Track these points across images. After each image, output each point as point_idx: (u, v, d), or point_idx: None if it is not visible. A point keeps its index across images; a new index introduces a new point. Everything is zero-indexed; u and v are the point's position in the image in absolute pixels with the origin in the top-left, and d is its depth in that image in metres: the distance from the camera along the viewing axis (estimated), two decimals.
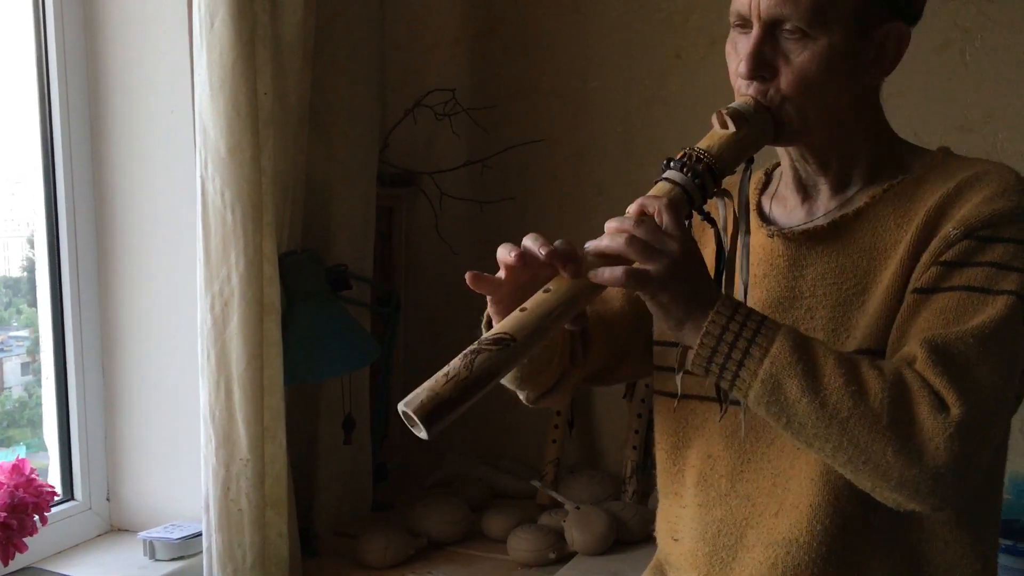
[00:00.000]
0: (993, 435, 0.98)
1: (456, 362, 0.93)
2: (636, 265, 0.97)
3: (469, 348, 0.94)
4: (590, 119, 2.31)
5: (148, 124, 1.87)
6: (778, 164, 1.23)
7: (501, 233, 2.52)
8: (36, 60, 1.84)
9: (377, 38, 2.20)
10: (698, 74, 2.18)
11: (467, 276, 1.02)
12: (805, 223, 1.15)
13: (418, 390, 0.93)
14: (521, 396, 1.21)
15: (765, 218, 1.19)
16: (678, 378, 1.11)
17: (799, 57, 1.05)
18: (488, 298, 1.04)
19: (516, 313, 0.97)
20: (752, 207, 1.20)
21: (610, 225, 1.00)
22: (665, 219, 0.99)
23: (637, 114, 2.26)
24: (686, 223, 1.03)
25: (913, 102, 1.99)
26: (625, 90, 2.27)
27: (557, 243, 0.99)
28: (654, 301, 0.98)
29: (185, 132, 1.80)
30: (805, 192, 1.17)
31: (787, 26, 1.04)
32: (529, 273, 1.01)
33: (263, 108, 1.69)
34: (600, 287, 0.99)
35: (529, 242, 1.01)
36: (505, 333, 0.95)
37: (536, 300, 0.97)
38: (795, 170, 1.16)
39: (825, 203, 1.15)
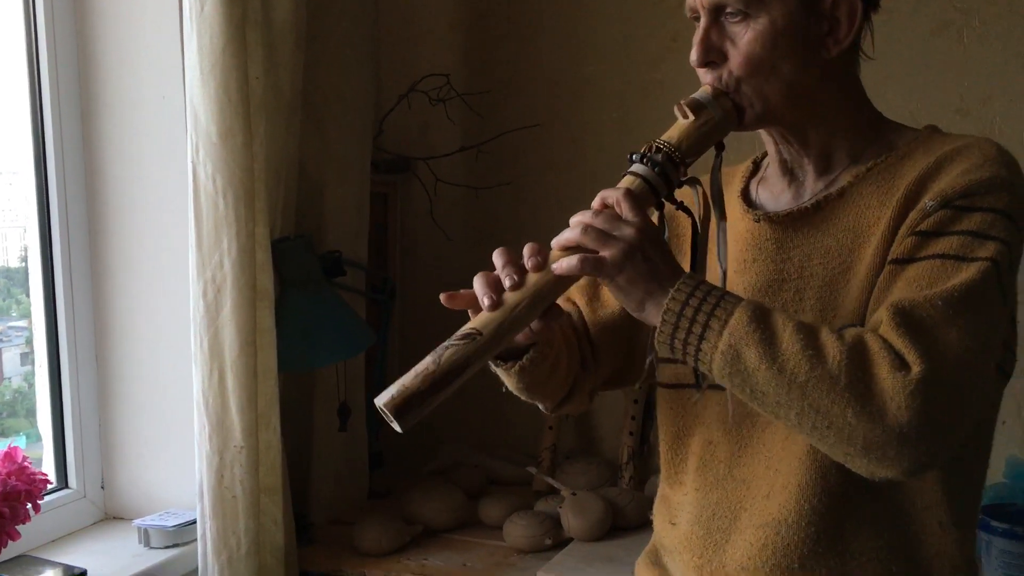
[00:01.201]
0: (966, 400, 0.96)
1: (427, 359, 0.98)
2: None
3: (440, 345, 0.98)
4: (586, 104, 2.29)
5: (139, 110, 1.86)
6: (767, 153, 1.23)
7: (496, 219, 2.54)
8: (26, 46, 1.83)
9: (371, 23, 2.18)
10: None
11: (441, 297, 1.04)
12: (791, 206, 1.15)
13: (390, 386, 0.97)
14: (540, 406, 1.24)
15: (752, 203, 1.20)
16: (648, 359, 1.12)
17: (743, 39, 1.07)
18: (470, 312, 1.05)
19: (485, 311, 1.00)
20: (738, 194, 1.21)
21: (573, 219, 1.03)
22: (624, 208, 1.01)
23: (633, 99, 2.25)
24: (657, 213, 1.07)
25: (910, 84, 1.98)
26: (621, 75, 2.26)
27: (525, 248, 1.02)
28: (613, 284, 1.01)
29: (176, 118, 1.79)
30: (791, 175, 1.17)
31: (729, 10, 1.07)
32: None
33: (255, 93, 1.68)
34: (565, 279, 1.01)
35: (497, 261, 1.03)
36: (472, 328, 0.99)
37: (504, 297, 1.01)
38: (779, 154, 1.17)
39: (811, 186, 1.15)
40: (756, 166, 1.25)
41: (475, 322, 1.00)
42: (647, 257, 0.99)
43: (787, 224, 1.13)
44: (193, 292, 1.69)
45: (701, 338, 0.97)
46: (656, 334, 1.00)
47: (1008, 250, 1.00)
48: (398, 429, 0.97)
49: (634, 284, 0.99)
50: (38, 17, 1.82)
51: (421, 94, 2.32)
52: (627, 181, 1.06)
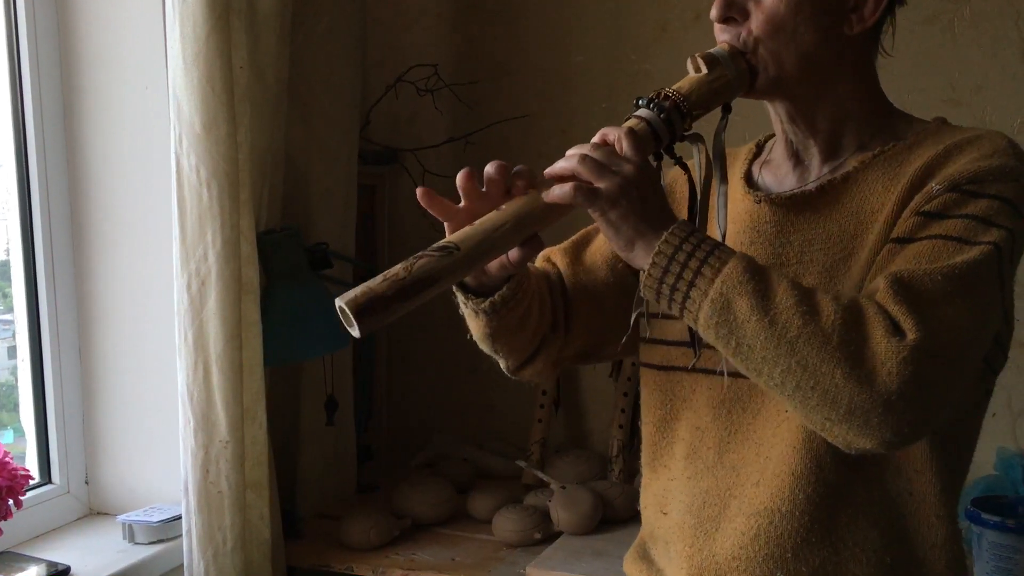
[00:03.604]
0: (954, 378, 0.94)
1: (398, 265, 0.94)
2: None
3: (414, 254, 0.95)
4: (574, 95, 2.28)
5: (122, 101, 1.83)
6: (771, 136, 1.22)
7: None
8: (6, 37, 1.80)
9: (358, 12, 2.16)
10: (684, 47, 2.13)
11: (418, 192, 1.01)
12: (794, 189, 1.13)
13: (355, 287, 0.94)
14: (501, 364, 1.20)
15: (754, 185, 1.18)
16: (634, 314, 1.10)
17: None
18: (445, 225, 1.03)
19: (466, 227, 0.98)
20: (741, 176, 1.19)
21: (569, 151, 1.01)
22: (624, 145, 1.00)
23: (622, 89, 2.24)
24: (656, 163, 1.05)
25: (901, 74, 1.96)
26: (610, 64, 2.25)
27: (515, 168, 1.01)
28: (604, 218, 0.98)
29: (160, 108, 1.77)
30: (797, 158, 1.15)
31: None
32: (488, 204, 1.01)
33: (239, 83, 1.66)
34: (554, 208, 0.99)
35: (489, 168, 1.01)
36: (450, 242, 0.96)
37: (487, 216, 0.98)
38: (786, 135, 1.15)
39: (817, 169, 1.14)
40: (760, 149, 1.23)
41: (454, 236, 0.97)
42: (643, 195, 0.97)
43: (788, 207, 1.11)
44: (177, 285, 1.67)
45: (691, 284, 0.95)
46: (644, 277, 0.97)
47: (1011, 239, 0.98)
48: (356, 334, 0.93)
49: (626, 221, 0.97)
50: (19, 6, 1.80)
51: (408, 84, 2.30)
52: (631, 123, 1.04)
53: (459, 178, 1.01)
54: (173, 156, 1.65)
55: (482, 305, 1.08)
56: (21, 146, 1.83)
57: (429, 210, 1.02)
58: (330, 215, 2.07)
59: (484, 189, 1.01)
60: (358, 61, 2.17)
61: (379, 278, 0.93)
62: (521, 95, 2.30)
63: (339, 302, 0.93)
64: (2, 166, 1.85)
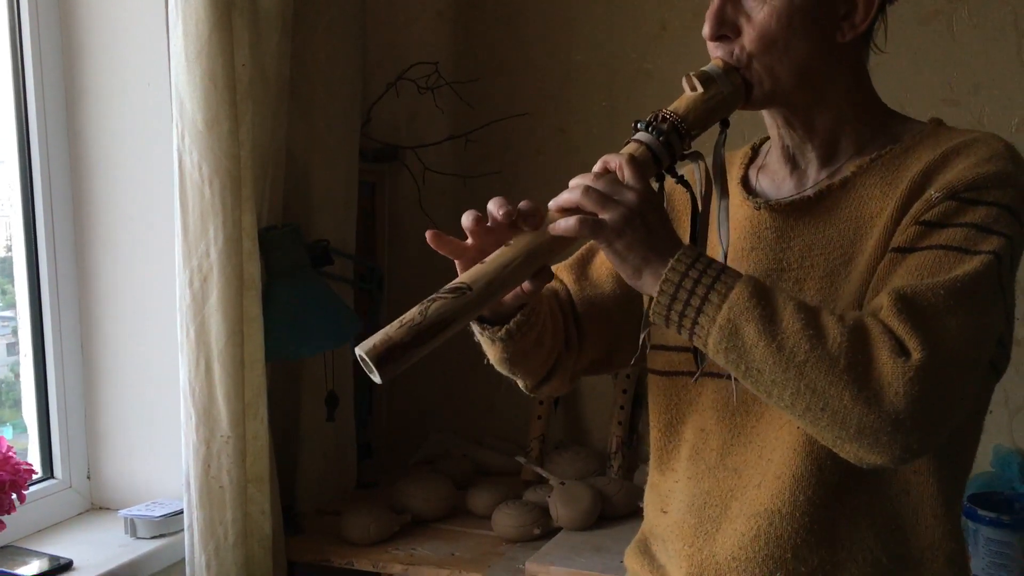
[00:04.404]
0: (960, 391, 0.95)
1: (413, 310, 0.95)
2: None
3: (428, 297, 0.96)
4: (574, 93, 2.28)
5: (124, 97, 1.84)
6: (766, 139, 1.22)
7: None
8: (9, 34, 1.81)
9: (358, 9, 2.17)
10: (683, 46, 2.16)
11: (427, 235, 1.02)
12: (793, 195, 1.14)
13: (374, 335, 0.95)
14: (520, 384, 1.22)
15: (752, 191, 1.18)
16: (643, 334, 1.11)
17: (759, 14, 1.05)
18: (456, 263, 1.04)
19: (476, 266, 0.99)
20: (738, 180, 1.19)
21: (572, 181, 1.01)
22: (626, 173, 1.00)
23: (622, 87, 2.25)
24: (658, 185, 1.05)
25: (899, 73, 1.98)
26: (610, 63, 2.25)
27: (520, 204, 1.01)
28: (610, 249, 0.99)
29: (163, 105, 1.77)
30: (794, 163, 1.16)
31: None
32: (494, 238, 1.01)
33: (241, 80, 1.67)
34: (561, 241, 1.00)
35: (492, 206, 1.01)
36: (462, 282, 0.97)
37: (496, 253, 0.99)
38: (782, 139, 1.15)
39: (814, 174, 1.14)
40: (755, 152, 1.23)
41: (465, 276, 0.98)
42: (647, 223, 0.98)
43: (788, 213, 1.12)
44: (179, 281, 1.68)
45: (699, 311, 0.96)
46: (652, 304, 0.98)
47: (1011, 246, 0.99)
48: (377, 380, 0.94)
49: (632, 250, 0.98)
50: (22, 4, 1.80)
51: (409, 82, 2.31)
52: (631, 148, 1.04)
53: (464, 221, 1.02)
54: (175, 153, 1.66)
55: (498, 333, 1.09)
56: (24, 143, 1.83)
57: (439, 251, 1.03)
58: (331, 212, 2.08)
59: (489, 224, 1.01)
60: (359, 59, 2.18)
61: (395, 324, 0.94)
62: (521, 93, 2.31)
63: (359, 351, 0.94)
64: (5, 162, 1.86)
